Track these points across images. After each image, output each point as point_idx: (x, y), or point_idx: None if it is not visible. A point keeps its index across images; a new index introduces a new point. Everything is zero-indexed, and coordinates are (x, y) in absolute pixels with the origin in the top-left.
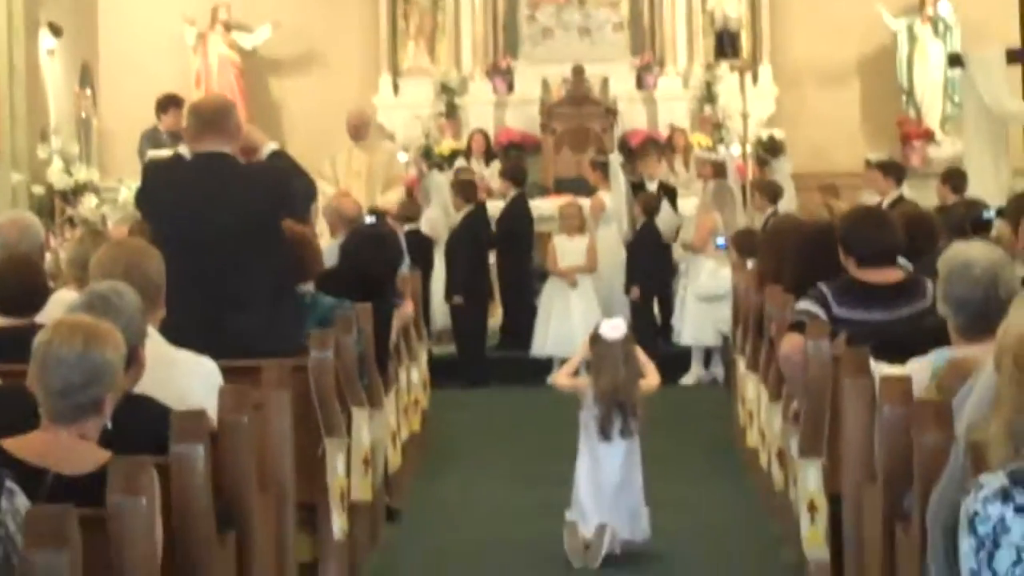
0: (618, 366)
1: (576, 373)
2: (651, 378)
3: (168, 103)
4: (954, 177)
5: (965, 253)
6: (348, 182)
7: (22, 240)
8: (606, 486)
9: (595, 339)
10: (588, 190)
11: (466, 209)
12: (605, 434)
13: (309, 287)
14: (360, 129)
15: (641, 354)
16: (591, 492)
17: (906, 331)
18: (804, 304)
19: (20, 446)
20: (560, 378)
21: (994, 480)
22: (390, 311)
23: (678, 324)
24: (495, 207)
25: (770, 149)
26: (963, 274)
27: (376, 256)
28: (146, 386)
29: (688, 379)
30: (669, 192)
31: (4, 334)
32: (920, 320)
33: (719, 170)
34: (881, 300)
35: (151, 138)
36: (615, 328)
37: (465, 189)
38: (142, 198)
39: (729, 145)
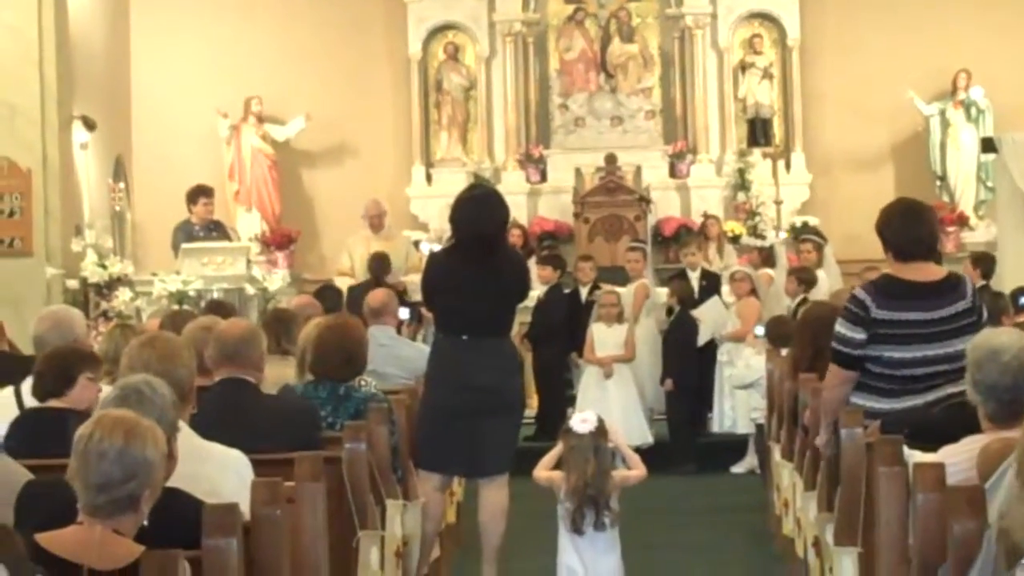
0: (588, 459)
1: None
2: (636, 470)
3: (198, 194)
4: (984, 261)
5: (994, 339)
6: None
7: (51, 332)
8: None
9: (566, 432)
10: (623, 279)
11: None
12: (576, 529)
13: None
14: (379, 219)
15: (624, 447)
16: None
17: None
18: (841, 327)
19: (55, 541)
20: (538, 471)
21: None
22: None
23: (717, 413)
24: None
25: (819, 235)
26: (992, 360)
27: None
28: (178, 479)
29: (739, 467)
30: (712, 280)
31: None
32: (960, 319)
33: (766, 258)
34: (921, 298)
35: (184, 230)
36: (584, 422)
37: None
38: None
39: (765, 232)
